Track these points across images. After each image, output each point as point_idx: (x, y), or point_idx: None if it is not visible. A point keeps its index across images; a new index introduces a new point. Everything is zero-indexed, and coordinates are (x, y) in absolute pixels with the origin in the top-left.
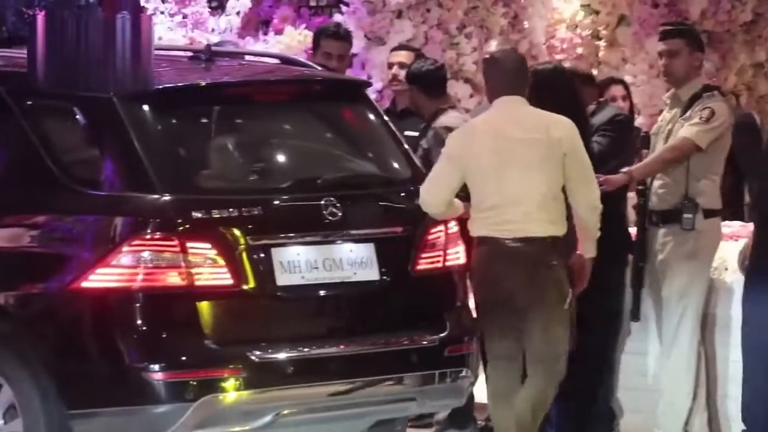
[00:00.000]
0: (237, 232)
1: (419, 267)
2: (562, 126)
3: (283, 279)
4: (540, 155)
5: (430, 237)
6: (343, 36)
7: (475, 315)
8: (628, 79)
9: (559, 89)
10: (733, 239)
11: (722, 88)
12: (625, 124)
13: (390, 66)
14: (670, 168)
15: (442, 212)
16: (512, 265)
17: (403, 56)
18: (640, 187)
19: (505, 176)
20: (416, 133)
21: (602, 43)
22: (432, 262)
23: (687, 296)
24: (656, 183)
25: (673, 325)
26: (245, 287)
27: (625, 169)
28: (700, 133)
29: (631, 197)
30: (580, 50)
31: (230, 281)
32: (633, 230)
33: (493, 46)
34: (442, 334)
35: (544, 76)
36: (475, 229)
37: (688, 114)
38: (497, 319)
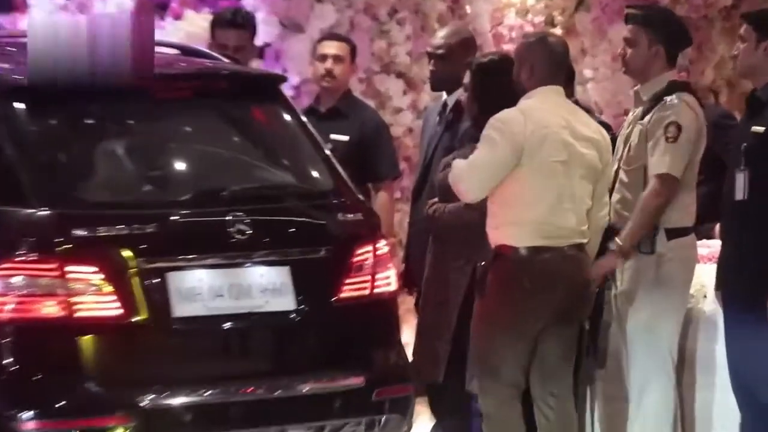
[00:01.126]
0: (127, 253)
1: (343, 294)
2: (605, 131)
3: (181, 309)
4: (598, 158)
5: (356, 259)
6: (240, 23)
7: (486, 336)
8: (587, 73)
9: (508, 86)
10: (713, 261)
11: (698, 83)
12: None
13: (322, 58)
14: (657, 212)
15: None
16: (570, 276)
17: (337, 47)
18: None
19: (571, 176)
20: (345, 137)
21: (558, 31)
22: (358, 289)
23: (655, 332)
24: (614, 196)
25: (641, 367)
26: (136, 319)
27: (613, 246)
28: (676, 161)
29: None
30: None
31: (118, 312)
32: None
33: (438, 37)
34: (369, 375)
35: (489, 71)
36: (523, 238)
37: (647, 119)
38: (525, 338)
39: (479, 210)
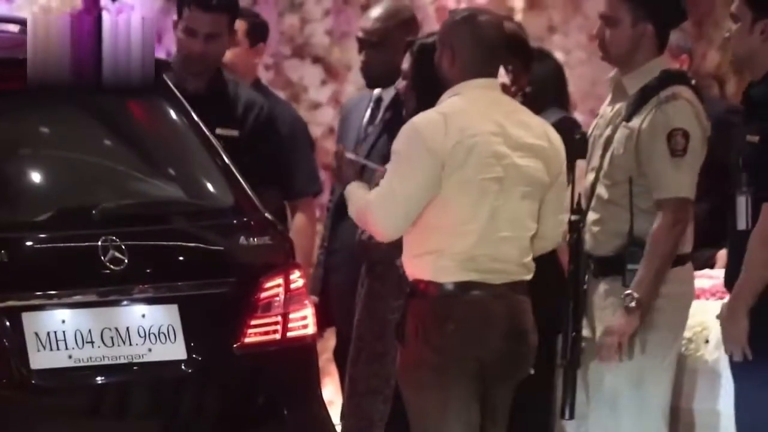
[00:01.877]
0: None
1: (247, 340)
2: (556, 133)
3: (40, 360)
4: (543, 170)
5: (264, 295)
6: (216, 6)
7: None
8: (558, 56)
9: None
10: (717, 296)
11: (699, 70)
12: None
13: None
14: (676, 247)
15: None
16: (504, 321)
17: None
18: (573, 217)
19: (508, 197)
20: (235, 132)
21: (519, 3)
22: (266, 333)
23: (642, 387)
24: (591, 215)
25: None
26: None
27: (630, 302)
28: (689, 180)
29: None
30: None
31: None
32: None
33: (371, 18)
34: None
35: (432, 55)
36: (446, 272)
37: (636, 122)
38: (462, 393)
39: None
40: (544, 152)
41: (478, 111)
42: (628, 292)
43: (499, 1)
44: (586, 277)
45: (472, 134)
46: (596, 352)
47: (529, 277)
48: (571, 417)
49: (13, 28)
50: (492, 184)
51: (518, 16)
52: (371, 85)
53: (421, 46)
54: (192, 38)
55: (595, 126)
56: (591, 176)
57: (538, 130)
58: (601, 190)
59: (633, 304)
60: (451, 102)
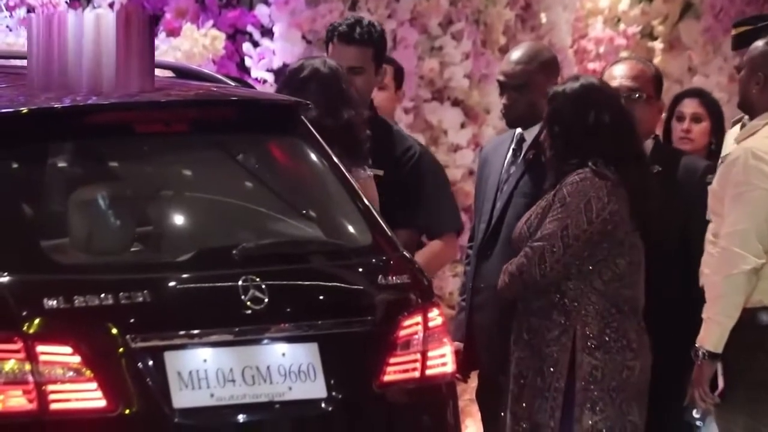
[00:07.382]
0: (113, 329)
1: (387, 378)
2: None
3: (182, 398)
4: None
5: (402, 333)
6: (358, 38)
7: None
8: None
9: (603, 123)
10: None
11: None
12: None
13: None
14: None
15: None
16: None
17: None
18: None
19: None
20: (380, 171)
21: (658, 45)
22: (405, 371)
23: None
24: None
25: None
26: (126, 411)
27: None
28: None
29: None
30: (624, 55)
31: (103, 403)
32: None
33: (511, 62)
34: None
35: (572, 101)
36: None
37: None
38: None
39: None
40: None
41: None
42: None
43: (638, 43)
44: None
45: None
46: None
47: None
48: None
49: (165, 72)
50: None
51: (658, 58)
52: (512, 126)
53: (553, 94)
54: None
55: None
56: None
57: None
58: None
59: None
60: None
